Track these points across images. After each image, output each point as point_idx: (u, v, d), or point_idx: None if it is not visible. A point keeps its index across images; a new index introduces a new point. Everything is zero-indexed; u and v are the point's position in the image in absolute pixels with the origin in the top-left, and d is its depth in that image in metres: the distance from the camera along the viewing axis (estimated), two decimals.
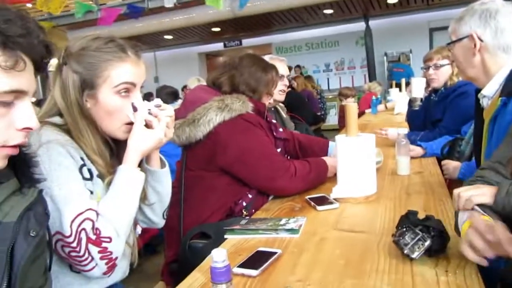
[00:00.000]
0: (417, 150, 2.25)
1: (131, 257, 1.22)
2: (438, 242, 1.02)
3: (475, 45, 1.53)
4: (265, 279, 1.01)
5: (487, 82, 1.54)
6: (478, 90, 1.69)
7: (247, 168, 1.64)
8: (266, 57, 2.63)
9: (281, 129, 1.92)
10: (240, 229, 1.35)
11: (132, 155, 1.10)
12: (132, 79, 1.11)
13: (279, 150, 1.83)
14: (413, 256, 1.01)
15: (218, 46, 11.83)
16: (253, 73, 1.76)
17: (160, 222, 1.32)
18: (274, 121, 1.89)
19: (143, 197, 1.20)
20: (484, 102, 1.61)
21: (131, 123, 1.11)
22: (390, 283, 0.94)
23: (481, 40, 1.49)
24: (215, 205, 1.66)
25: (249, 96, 1.73)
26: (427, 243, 1.01)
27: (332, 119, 9.72)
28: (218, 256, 0.72)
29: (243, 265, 1.07)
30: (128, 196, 1.07)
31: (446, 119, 2.39)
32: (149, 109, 1.12)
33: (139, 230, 1.40)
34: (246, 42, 11.58)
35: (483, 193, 1.03)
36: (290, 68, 3.54)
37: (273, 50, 11.22)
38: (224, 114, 1.61)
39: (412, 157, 2.09)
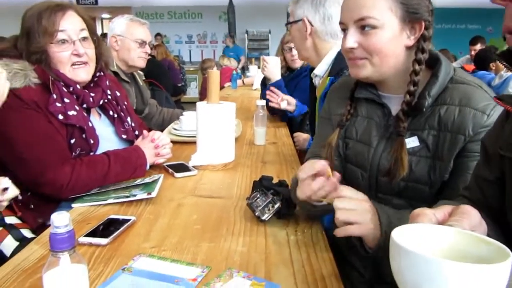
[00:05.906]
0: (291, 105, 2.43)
1: None
2: (287, 206, 1.07)
3: (306, 29, 1.62)
4: (116, 247, 0.94)
5: (318, 62, 1.66)
6: (311, 70, 1.81)
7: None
8: (126, 17, 2.42)
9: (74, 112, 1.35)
10: (88, 195, 1.23)
11: None
12: None
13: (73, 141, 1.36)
14: (263, 218, 1.05)
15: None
16: None
17: None
18: None
19: None
20: (316, 81, 1.74)
21: None
22: (245, 244, 0.96)
23: (312, 25, 1.59)
24: None
25: None
26: (277, 205, 1.05)
27: (192, 91, 9.65)
28: (60, 220, 0.62)
29: (91, 234, 0.98)
30: None
31: (295, 96, 2.57)
32: None
33: None
34: (103, 1, 10.70)
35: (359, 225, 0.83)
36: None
37: (133, 14, 10.55)
38: None
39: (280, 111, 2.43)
